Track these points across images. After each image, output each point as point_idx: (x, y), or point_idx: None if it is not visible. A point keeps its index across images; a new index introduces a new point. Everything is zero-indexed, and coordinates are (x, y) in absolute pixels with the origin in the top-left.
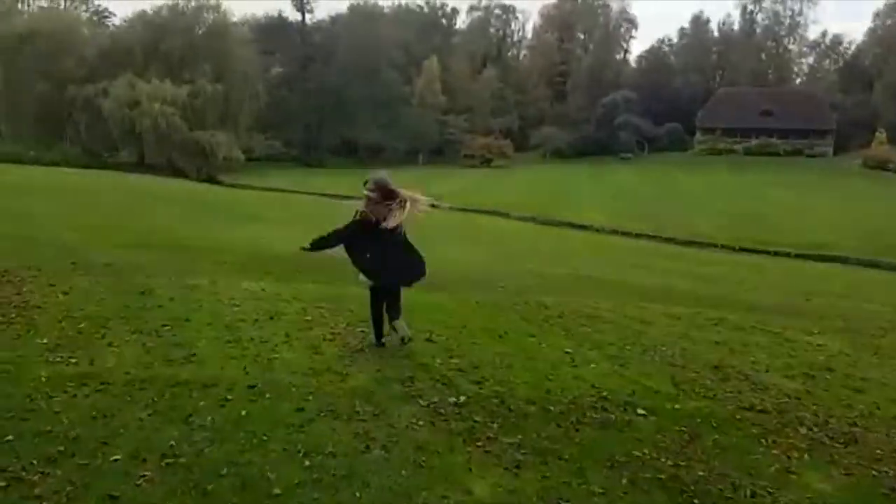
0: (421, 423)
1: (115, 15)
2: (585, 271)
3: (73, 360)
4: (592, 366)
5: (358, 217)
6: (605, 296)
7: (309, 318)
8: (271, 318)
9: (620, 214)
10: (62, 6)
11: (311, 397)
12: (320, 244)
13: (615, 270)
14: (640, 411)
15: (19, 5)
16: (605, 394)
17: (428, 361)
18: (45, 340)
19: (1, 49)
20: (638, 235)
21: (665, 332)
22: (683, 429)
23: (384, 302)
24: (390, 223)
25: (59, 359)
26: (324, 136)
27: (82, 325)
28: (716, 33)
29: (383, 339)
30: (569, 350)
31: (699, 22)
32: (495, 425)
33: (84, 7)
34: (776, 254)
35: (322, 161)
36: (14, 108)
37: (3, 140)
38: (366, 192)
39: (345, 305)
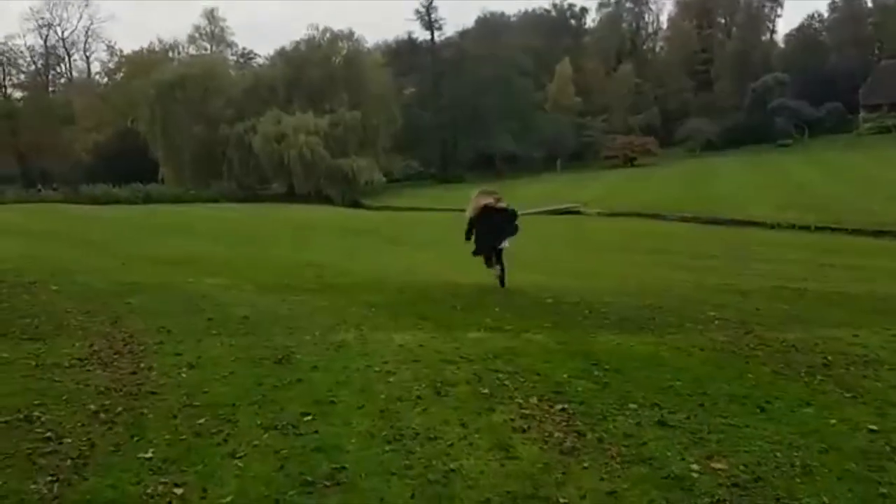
0: None
1: (259, 55)
2: (788, 281)
3: (179, 488)
4: None
5: (469, 216)
6: (848, 319)
7: (486, 390)
8: (437, 392)
9: (791, 207)
10: (209, 51)
11: None
12: (468, 236)
13: (819, 276)
14: None
15: (170, 54)
16: None
17: (681, 469)
18: (149, 453)
19: (156, 96)
20: (817, 229)
21: None
22: None
23: (492, 258)
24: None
25: (161, 486)
26: (460, 151)
27: (202, 422)
28: (870, 4)
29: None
30: (874, 427)
31: None
32: None
33: (230, 50)
34: None
35: (460, 176)
36: (172, 151)
37: (164, 184)
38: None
39: (528, 364)
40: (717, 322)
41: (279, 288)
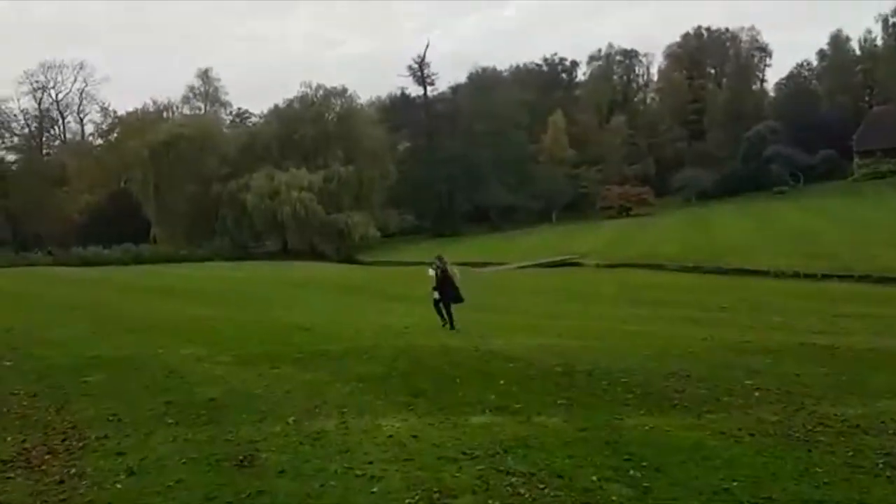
0: None
1: (254, 114)
2: (809, 335)
3: None
4: None
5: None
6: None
7: (496, 503)
8: None
9: (795, 255)
10: (203, 110)
11: None
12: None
13: (838, 328)
14: None
15: (164, 114)
16: None
17: None
18: None
19: (150, 156)
20: (824, 277)
21: None
22: None
23: (446, 308)
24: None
25: None
26: (455, 205)
27: None
28: (858, 51)
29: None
30: None
31: (839, 41)
32: None
33: (224, 110)
34: None
35: (456, 229)
36: (164, 211)
37: (157, 244)
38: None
39: (545, 461)
40: (757, 394)
41: (260, 358)
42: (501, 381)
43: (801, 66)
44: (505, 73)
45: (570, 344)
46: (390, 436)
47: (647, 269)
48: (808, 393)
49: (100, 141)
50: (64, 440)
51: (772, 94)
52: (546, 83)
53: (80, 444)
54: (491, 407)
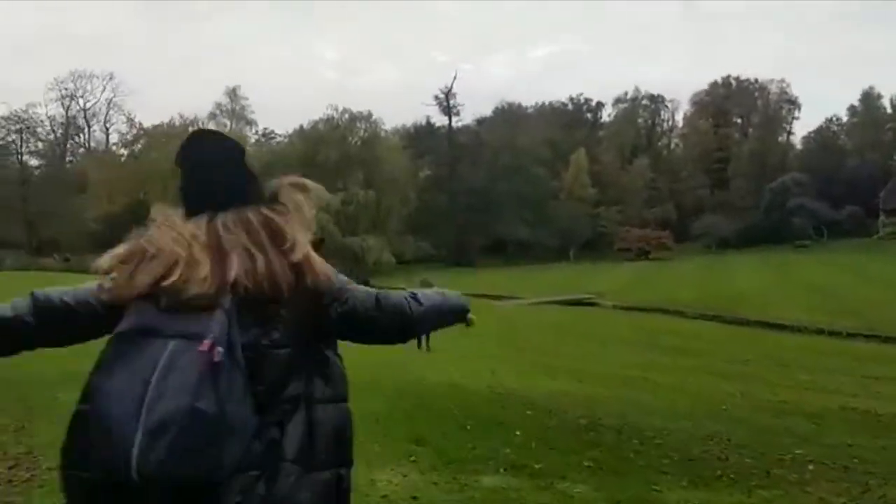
0: None
1: (279, 135)
2: (844, 398)
3: None
4: None
5: None
6: None
7: None
8: None
9: (819, 310)
10: (228, 127)
11: None
12: None
13: (870, 391)
14: None
15: (189, 129)
16: None
17: None
18: None
19: (170, 170)
20: (850, 335)
21: None
22: None
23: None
24: None
25: None
26: (473, 236)
27: None
28: (889, 109)
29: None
30: None
31: (870, 98)
32: None
33: (250, 129)
34: None
35: (472, 261)
36: None
37: None
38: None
39: None
40: (812, 468)
41: None
42: (518, 433)
43: (830, 120)
44: (530, 110)
45: (592, 391)
46: (385, 495)
47: (665, 315)
48: (868, 470)
49: (123, 151)
50: (11, 468)
51: (798, 146)
52: (570, 122)
53: (28, 475)
54: (506, 465)
